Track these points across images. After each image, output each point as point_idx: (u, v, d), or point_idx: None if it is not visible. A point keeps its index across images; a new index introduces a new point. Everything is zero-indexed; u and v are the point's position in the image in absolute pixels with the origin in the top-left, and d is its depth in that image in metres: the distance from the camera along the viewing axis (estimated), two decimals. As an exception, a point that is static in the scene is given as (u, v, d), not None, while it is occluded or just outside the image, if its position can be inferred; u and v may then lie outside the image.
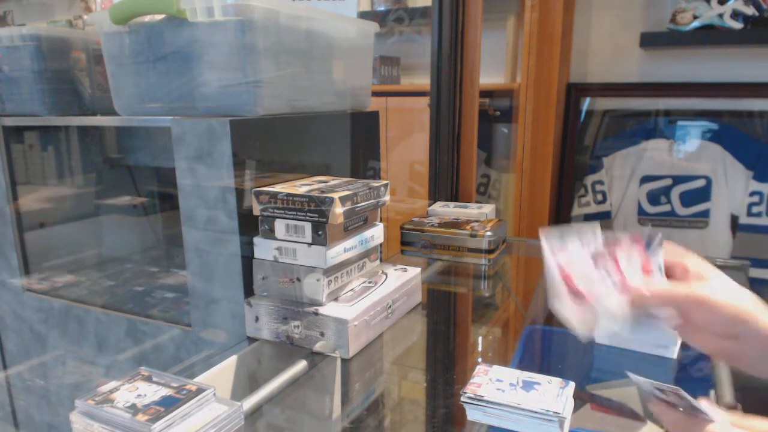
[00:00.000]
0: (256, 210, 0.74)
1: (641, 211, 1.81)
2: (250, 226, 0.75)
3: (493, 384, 0.56)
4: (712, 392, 0.46)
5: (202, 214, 0.76)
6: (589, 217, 1.85)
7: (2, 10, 3.02)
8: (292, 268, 0.73)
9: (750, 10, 1.55)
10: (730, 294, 0.49)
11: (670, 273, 0.53)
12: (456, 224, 1.12)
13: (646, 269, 0.53)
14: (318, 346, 0.72)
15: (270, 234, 0.74)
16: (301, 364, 0.69)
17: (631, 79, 1.83)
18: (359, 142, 0.99)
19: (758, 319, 0.48)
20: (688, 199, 1.75)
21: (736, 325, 0.49)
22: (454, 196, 1.47)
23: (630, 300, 0.51)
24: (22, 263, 1.04)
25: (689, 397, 0.43)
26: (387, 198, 0.82)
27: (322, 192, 0.70)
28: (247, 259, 0.75)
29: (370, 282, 0.82)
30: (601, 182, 1.85)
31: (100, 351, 0.97)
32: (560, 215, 1.88)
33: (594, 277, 0.53)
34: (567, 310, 0.52)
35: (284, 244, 0.73)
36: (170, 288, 1.06)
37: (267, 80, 0.76)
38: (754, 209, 1.66)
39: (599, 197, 1.85)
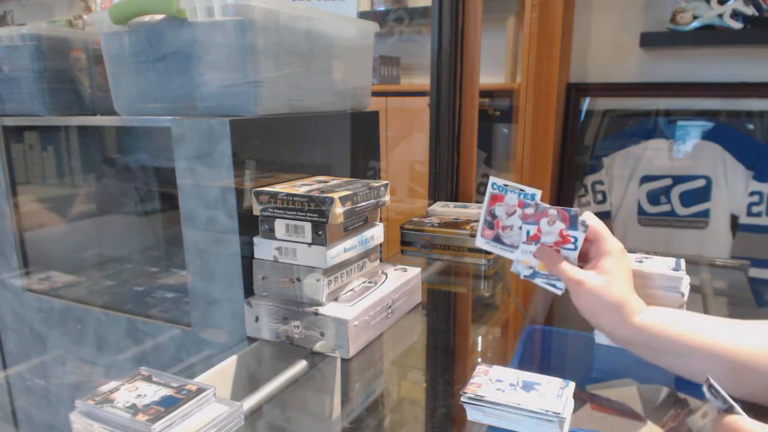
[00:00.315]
0: (256, 210, 0.74)
1: (641, 211, 1.81)
2: (250, 226, 0.75)
3: (493, 384, 0.56)
4: (711, 392, 0.47)
5: (202, 214, 0.76)
6: (589, 217, 1.85)
7: (2, 10, 3.03)
8: (292, 268, 0.73)
9: (750, 10, 1.55)
10: (608, 283, 0.59)
11: (588, 252, 0.64)
12: (456, 224, 1.12)
13: (563, 239, 0.64)
14: (318, 346, 0.72)
15: (270, 234, 0.74)
16: (301, 364, 0.69)
17: (631, 79, 1.83)
18: (359, 142, 0.99)
19: (625, 312, 0.58)
20: (688, 199, 1.75)
21: (604, 312, 0.59)
22: (454, 196, 1.47)
23: (536, 252, 0.65)
24: (22, 263, 1.04)
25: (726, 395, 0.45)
26: (387, 198, 0.82)
27: (322, 192, 0.70)
28: (247, 259, 0.75)
29: (370, 282, 0.82)
30: (601, 182, 1.85)
31: (100, 351, 0.97)
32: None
33: (515, 226, 0.67)
34: (486, 247, 0.69)
35: (284, 244, 0.73)
36: (170, 288, 1.06)
37: (267, 80, 0.76)
38: (754, 209, 1.66)
39: (599, 197, 1.85)
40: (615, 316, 0.59)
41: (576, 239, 0.63)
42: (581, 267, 0.64)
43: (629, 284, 0.61)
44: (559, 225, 0.64)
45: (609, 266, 0.60)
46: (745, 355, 0.54)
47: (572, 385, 0.55)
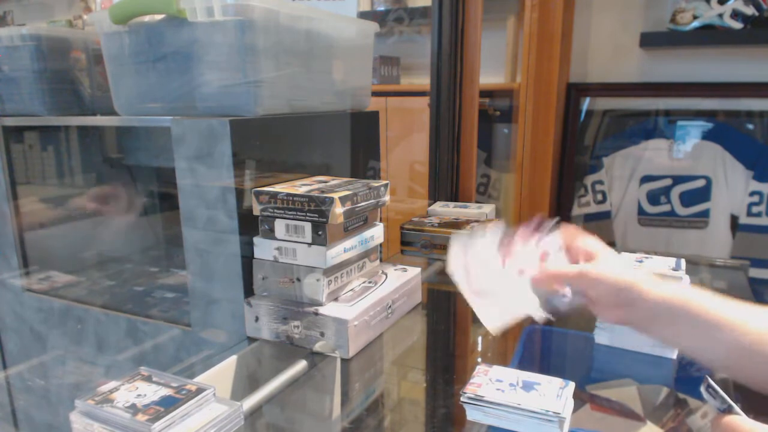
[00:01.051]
0: (256, 210, 0.74)
1: (641, 211, 1.81)
2: (250, 226, 0.75)
3: (493, 384, 0.56)
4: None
5: (202, 214, 0.76)
6: (589, 218, 1.85)
7: (2, 10, 3.03)
8: (292, 268, 0.73)
9: (750, 10, 1.55)
10: (611, 268, 0.58)
11: (573, 257, 0.62)
12: (456, 224, 1.12)
13: (543, 256, 0.62)
14: (318, 346, 0.72)
15: (270, 234, 0.74)
16: (301, 364, 0.69)
17: (631, 79, 1.83)
18: (359, 142, 0.99)
19: (641, 288, 0.57)
20: (688, 199, 1.75)
21: (620, 293, 0.57)
22: (454, 196, 1.47)
23: (532, 283, 0.61)
24: (22, 263, 1.04)
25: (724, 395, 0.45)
26: (387, 198, 0.82)
27: (322, 192, 0.70)
28: (247, 259, 0.75)
29: (370, 282, 0.82)
30: (601, 182, 1.85)
31: (100, 351, 0.97)
32: (560, 215, 1.88)
33: (497, 272, 0.62)
34: (476, 307, 0.62)
35: (284, 244, 0.73)
36: (170, 288, 1.06)
37: (267, 80, 0.76)
38: (754, 209, 1.66)
39: (599, 197, 1.85)
40: (634, 294, 0.57)
41: (554, 246, 0.62)
42: None
43: (620, 260, 0.61)
44: (531, 242, 0.62)
45: (601, 254, 0.60)
46: (755, 335, 0.52)
47: (572, 385, 0.56)
